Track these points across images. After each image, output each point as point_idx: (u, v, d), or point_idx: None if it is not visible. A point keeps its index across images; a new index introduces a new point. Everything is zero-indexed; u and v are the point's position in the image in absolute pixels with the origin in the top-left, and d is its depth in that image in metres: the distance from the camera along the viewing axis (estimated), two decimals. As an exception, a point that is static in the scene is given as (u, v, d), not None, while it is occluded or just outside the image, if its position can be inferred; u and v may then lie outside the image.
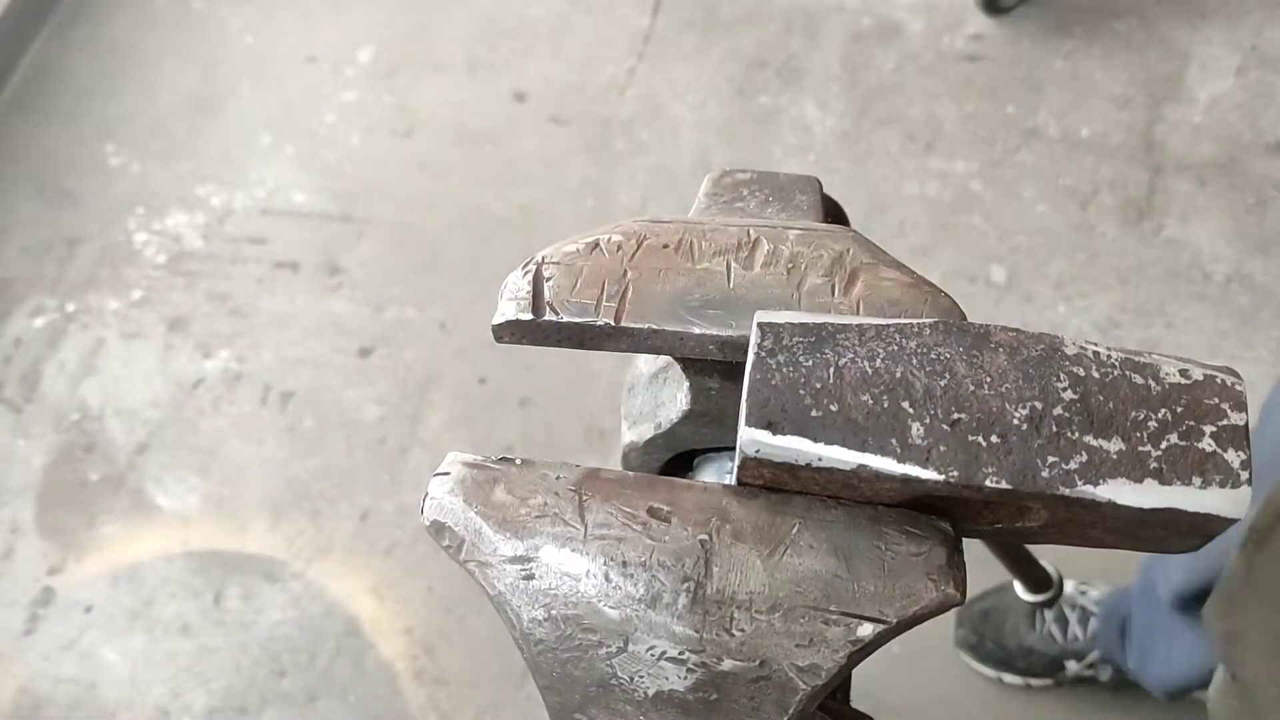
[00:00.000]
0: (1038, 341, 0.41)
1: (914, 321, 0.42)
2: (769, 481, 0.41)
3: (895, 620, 0.40)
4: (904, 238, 1.84)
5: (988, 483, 0.39)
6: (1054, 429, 0.40)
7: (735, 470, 0.42)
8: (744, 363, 0.49)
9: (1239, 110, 1.95)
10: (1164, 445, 0.40)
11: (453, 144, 2.03)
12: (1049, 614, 1.45)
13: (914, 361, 0.41)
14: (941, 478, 0.38)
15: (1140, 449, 0.40)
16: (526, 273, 0.50)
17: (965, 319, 0.51)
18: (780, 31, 2.12)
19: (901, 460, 0.39)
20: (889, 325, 0.42)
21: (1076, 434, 0.40)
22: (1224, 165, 1.90)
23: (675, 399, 0.54)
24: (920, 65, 2.05)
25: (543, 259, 0.51)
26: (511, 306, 0.49)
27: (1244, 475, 0.39)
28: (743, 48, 2.10)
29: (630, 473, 0.43)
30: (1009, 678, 1.47)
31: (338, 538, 1.63)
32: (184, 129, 2.07)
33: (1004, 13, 2.07)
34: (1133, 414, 0.40)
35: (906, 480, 0.39)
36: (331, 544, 1.63)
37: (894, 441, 0.40)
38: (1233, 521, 0.39)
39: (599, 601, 0.40)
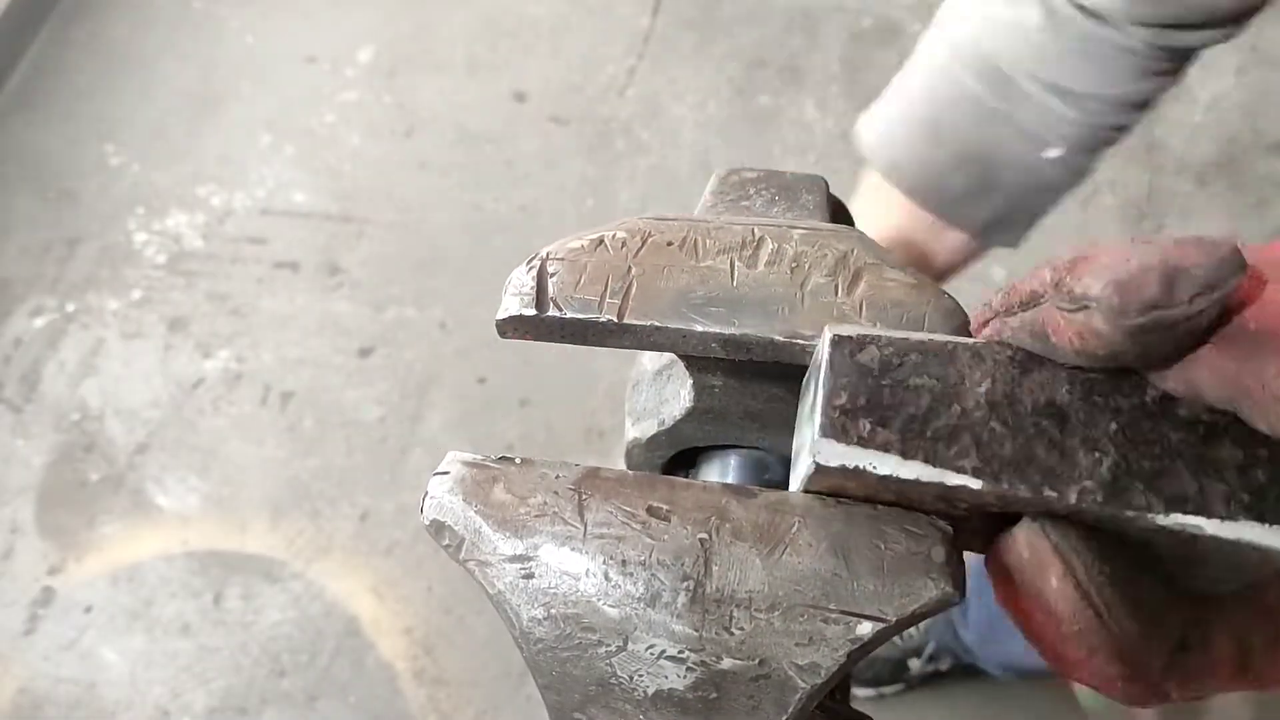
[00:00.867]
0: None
1: (969, 341, 0.43)
2: (833, 490, 0.42)
3: (894, 618, 0.40)
4: (904, 238, 1.84)
5: (1072, 500, 0.39)
6: (1150, 452, 0.40)
7: (803, 479, 0.42)
8: (747, 361, 0.49)
9: (1239, 110, 1.95)
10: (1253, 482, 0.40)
11: (453, 144, 2.03)
12: None
13: (976, 377, 0.41)
14: (1007, 490, 0.39)
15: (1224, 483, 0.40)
16: (531, 268, 0.50)
17: (968, 320, 0.52)
18: (780, 31, 2.12)
19: (965, 473, 0.39)
20: (951, 343, 0.43)
21: (1167, 460, 0.40)
22: (1224, 165, 1.90)
23: (678, 396, 0.54)
24: (920, 65, 2.05)
25: (547, 255, 0.51)
26: (515, 302, 0.49)
27: None
28: (743, 48, 2.10)
29: (630, 472, 0.43)
30: (860, 691, 1.46)
31: (338, 538, 1.63)
32: (184, 129, 2.07)
33: (1004, 13, 2.07)
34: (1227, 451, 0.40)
35: (963, 490, 0.39)
36: (331, 544, 1.63)
37: (956, 454, 0.40)
38: None
39: (598, 600, 0.40)
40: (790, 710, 0.41)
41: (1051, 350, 0.38)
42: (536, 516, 0.44)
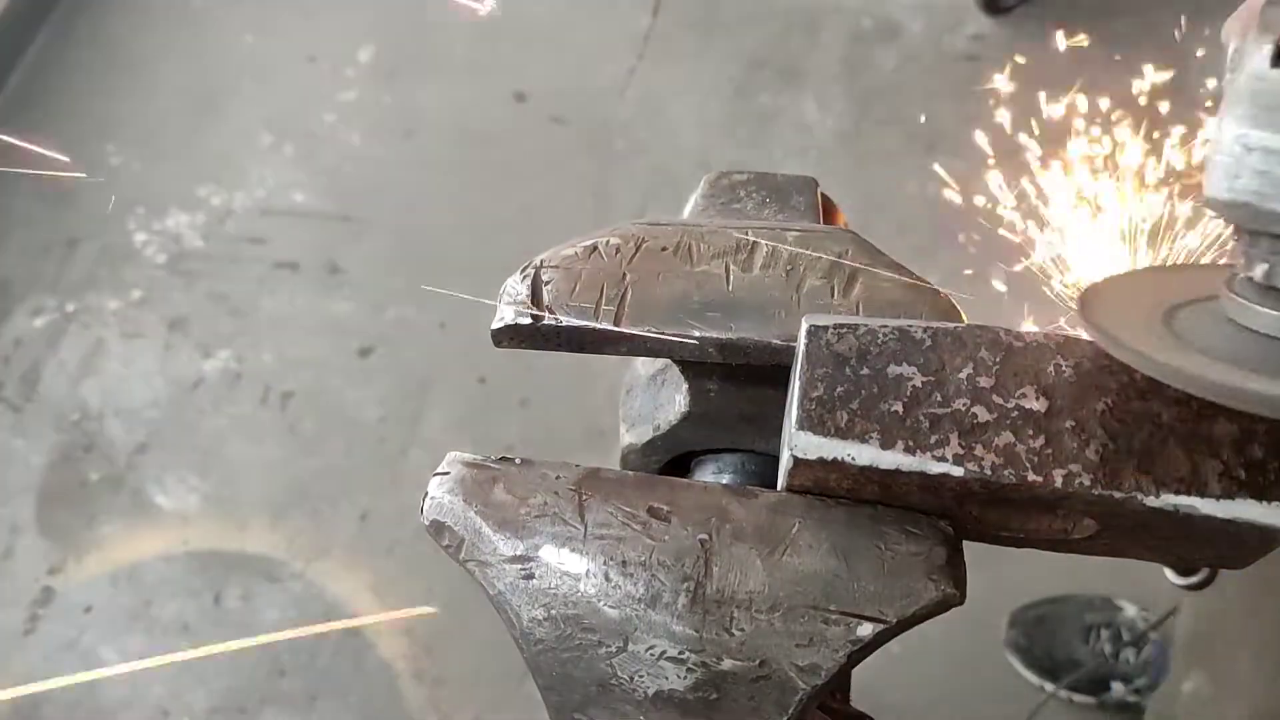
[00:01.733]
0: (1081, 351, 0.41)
1: (950, 326, 0.42)
2: (815, 484, 0.41)
3: (895, 620, 0.40)
4: (904, 237, 1.84)
5: (1058, 484, 0.39)
6: (1133, 438, 0.40)
7: (784, 474, 0.42)
8: (743, 365, 0.49)
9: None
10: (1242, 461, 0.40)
11: (453, 144, 2.03)
12: (1105, 633, 1.43)
13: (957, 363, 0.41)
14: (990, 476, 0.39)
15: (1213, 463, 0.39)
16: (525, 277, 0.50)
17: (963, 320, 0.51)
18: (780, 31, 2.12)
19: (946, 461, 0.39)
20: (930, 329, 0.42)
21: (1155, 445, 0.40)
22: (1224, 165, 1.90)
23: (674, 401, 0.54)
24: (920, 65, 2.05)
25: (541, 263, 0.51)
26: (510, 311, 0.49)
27: None
28: (743, 48, 2.10)
29: (630, 472, 0.43)
30: (1051, 688, 1.46)
31: (337, 537, 1.63)
32: (184, 129, 2.07)
33: (1004, 13, 2.07)
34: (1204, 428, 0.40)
35: (947, 479, 0.39)
36: (331, 544, 1.63)
37: (937, 441, 0.40)
38: None
39: (599, 601, 0.40)
40: (791, 711, 0.41)
41: None
42: (537, 517, 0.44)
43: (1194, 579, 1.02)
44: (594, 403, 1.69)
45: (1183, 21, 2.04)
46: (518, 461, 0.44)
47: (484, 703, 1.52)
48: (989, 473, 0.39)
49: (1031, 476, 0.39)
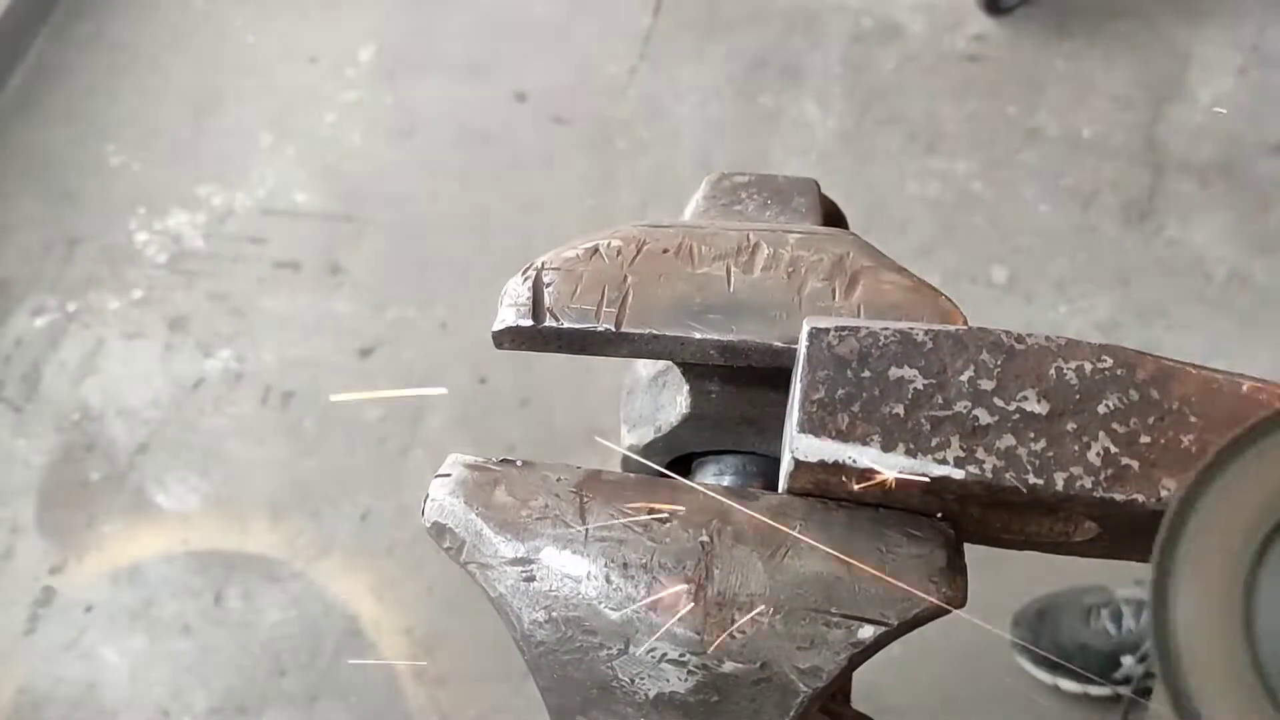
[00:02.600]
0: (1088, 353, 0.41)
1: (951, 329, 0.42)
2: (816, 486, 0.41)
3: (896, 622, 0.40)
4: (905, 238, 1.84)
5: (1059, 487, 0.39)
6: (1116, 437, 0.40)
7: (785, 476, 0.42)
8: (744, 367, 0.49)
9: (1240, 110, 1.95)
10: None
11: (453, 144, 2.03)
12: (1105, 611, 1.45)
13: (958, 366, 0.41)
14: (991, 479, 0.39)
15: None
16: (526, 278, 0.50)
17: (966, 322, 0.51)
18: (781, 31, 2.11)
19: (947, 464, 0.39)
20: (932, 331, 0.42)
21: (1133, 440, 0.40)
22: (1225, 166, 1.90)
23: (675, 402, 0.54)
24: (921, 65, 2.05)
25: (543, 264, 0.51)
26: (511, 313, 0.49)
27: None
28: (744, 47, 2.10)
29: (631, 475, 0.43)
30: (1065, 684, 1.45)
31: (338, 538, 1.63)
32: (185, 128, 2.07)
33: (1005, 13, 2.07)
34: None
35: (948, 481, 0.39)
36: (332, 544, 1.63)
37: (939, 444, 0.40)
38: None
39: (600, 603, 0.40)
40: (792, 713, 0.41)
41: None
42: (538, 519, 0.44)
43: None
44: (595, 403, 1.69)
45: (1182, 21, 2.04)
46: (519, 463, 0.44)
47: (485, 703, 1.52)
48: (990, 475, 0.39)
49: (1033, 479, 0.39)
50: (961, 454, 0.40)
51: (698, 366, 0.52)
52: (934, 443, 0.40)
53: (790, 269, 0.51)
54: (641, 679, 0.40)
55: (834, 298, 0.50)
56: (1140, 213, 1.86)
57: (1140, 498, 0.39)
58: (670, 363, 0.54)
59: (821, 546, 0.41)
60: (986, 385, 0.41)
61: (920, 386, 0.41)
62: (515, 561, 0.41)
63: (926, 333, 0.42)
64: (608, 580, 0.40)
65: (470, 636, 1.56)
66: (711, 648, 0.40)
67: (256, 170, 2.01)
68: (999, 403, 0.41)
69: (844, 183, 1.89)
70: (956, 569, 0.41)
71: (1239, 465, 0.34)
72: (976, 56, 2.05)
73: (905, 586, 0.40)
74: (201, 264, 1.91)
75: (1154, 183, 1.89)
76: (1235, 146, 1.91)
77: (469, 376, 1.75)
